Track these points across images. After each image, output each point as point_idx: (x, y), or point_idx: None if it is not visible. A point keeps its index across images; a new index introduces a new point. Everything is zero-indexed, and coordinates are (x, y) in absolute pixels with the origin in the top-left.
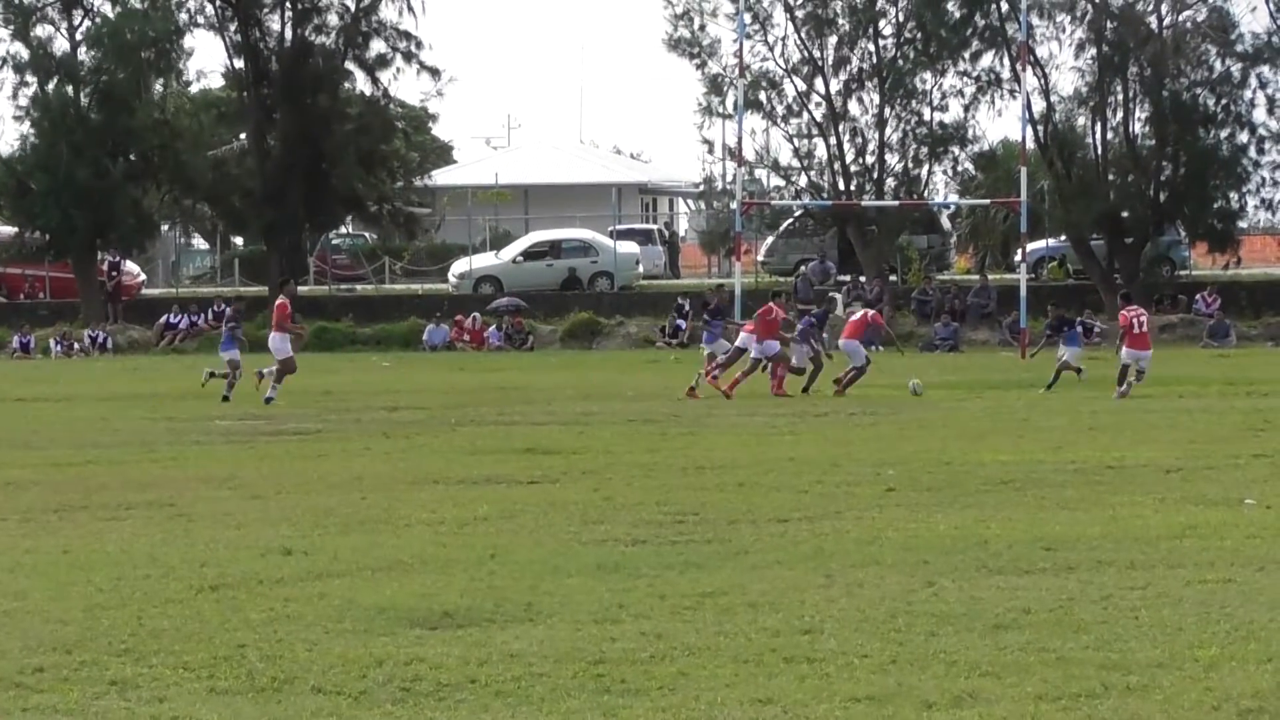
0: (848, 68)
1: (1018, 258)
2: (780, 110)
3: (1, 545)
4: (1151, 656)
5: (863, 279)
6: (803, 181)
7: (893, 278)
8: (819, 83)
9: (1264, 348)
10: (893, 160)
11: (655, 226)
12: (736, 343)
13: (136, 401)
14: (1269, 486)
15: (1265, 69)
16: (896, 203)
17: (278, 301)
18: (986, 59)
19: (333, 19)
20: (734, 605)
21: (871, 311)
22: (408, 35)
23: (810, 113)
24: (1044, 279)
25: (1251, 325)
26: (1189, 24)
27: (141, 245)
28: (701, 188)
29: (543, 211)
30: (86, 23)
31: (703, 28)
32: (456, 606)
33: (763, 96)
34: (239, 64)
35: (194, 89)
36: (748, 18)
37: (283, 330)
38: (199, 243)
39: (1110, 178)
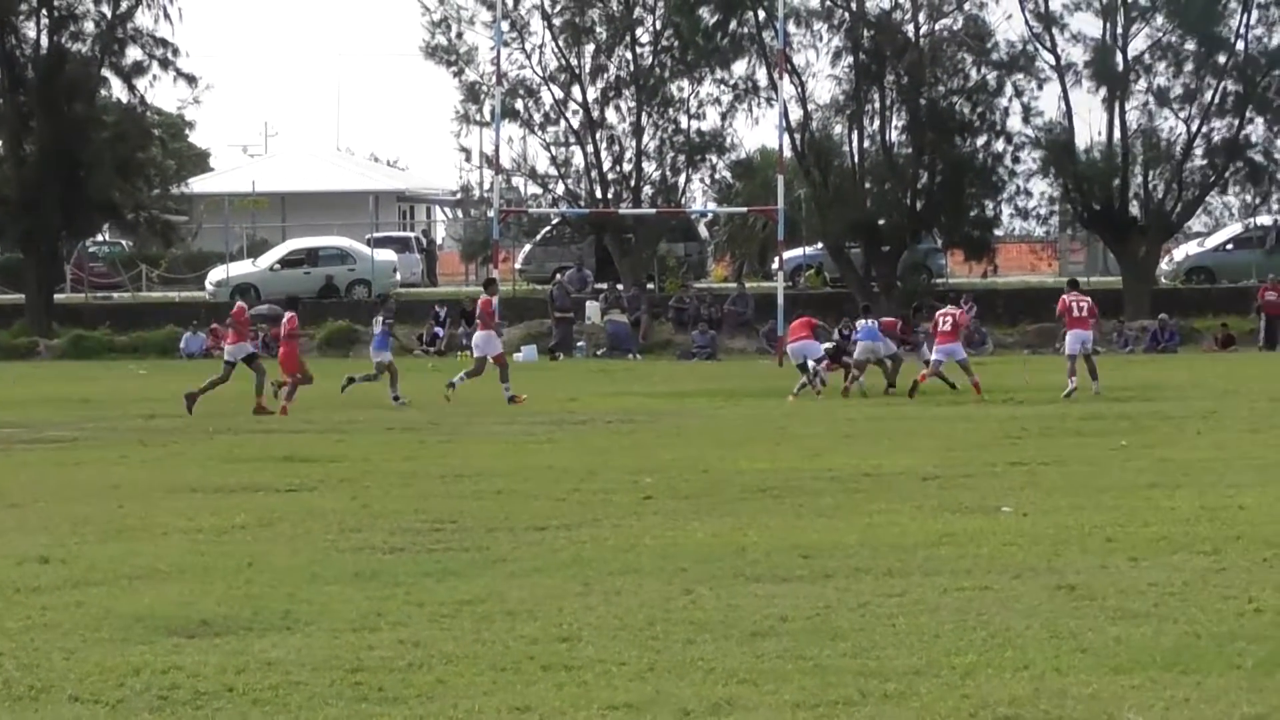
0: (605, 76)
1: (775, 265)
2: (538, 118)
3: None
4: (908, 664)
5: (620, 287)
6: (560, 189)
7: (650, 285)
8: (576, 91)
9: (1020, 355)
10: (650, 168)
11: (413, 234)
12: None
13: None
14: (1025, 494)
15: (1020, 77)
16: (654, 210)
17: (484, 299)
18: (743, 67)
19: (89, 26)
20: (492, 613)
21: (960, 311)
22: (164, 42)
23: (568, 120)
24: (801, 287)
25: (1007, 333)
26: (946, 32)
27: None
28: (459, 196)
29: (300, 219)
30: None
31: (460, 35)
32: (214, 615)
33: (520, 104)
34: None
35: None
36: (505, 26)
37: (488, 328)
38: None
39: (867, 186)
